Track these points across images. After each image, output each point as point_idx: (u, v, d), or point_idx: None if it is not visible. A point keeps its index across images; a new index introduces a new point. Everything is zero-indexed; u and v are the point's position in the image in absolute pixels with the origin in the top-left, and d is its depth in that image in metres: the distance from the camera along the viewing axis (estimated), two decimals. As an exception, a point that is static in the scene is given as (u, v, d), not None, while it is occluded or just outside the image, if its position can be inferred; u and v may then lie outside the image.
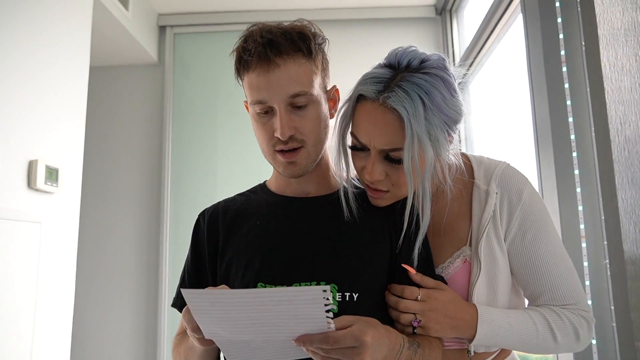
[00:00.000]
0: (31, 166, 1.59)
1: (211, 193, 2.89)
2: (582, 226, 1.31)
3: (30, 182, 1.59)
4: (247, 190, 1.05)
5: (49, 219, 1.69)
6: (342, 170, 0.93)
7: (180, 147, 2.96)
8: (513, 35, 2.00)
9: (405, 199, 0.89)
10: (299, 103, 0.87)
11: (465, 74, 0.92)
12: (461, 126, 0.91)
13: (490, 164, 0.98)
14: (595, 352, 1.26)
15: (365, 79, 0.86)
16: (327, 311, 0.68)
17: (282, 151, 0.89)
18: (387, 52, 0.89)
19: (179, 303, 0.97)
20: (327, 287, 0.65)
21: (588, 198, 1.31)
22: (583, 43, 1.34)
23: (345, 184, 0.93)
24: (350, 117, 0.89)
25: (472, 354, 0.92)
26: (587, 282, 1.29)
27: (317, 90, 0.90)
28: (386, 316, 0.87)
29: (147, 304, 2.78)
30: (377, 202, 0.92)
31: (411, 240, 0.90)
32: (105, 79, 3.01)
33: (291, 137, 0.87)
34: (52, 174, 1.67)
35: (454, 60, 2.84)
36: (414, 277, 0.87)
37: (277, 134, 0.86)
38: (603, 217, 1.24)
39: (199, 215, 1.02)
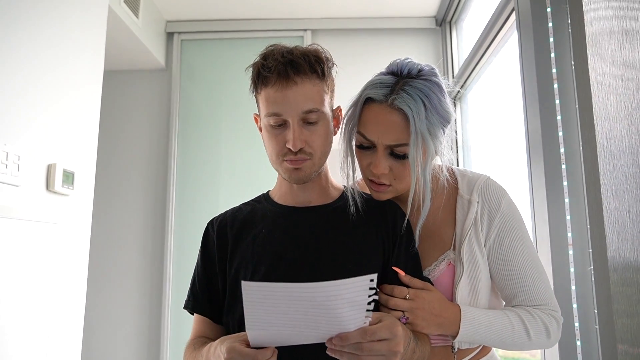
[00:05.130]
0: (50, 170, 1.68)
1: (214, 197, 2.97)
2: (569, 234, 1.40)
3: (49, 185, 1.67)
4: (252, 200, 1.13)
5: (65, 220, 1.77)
6: (348, 167, 1.03)
7: (185, 150, 3.04)
8: (510, 49, 2.09)
9: (396, 211, 1.01)
10: (311, 119, 0.95)
11: (458, 86, 1.03)
12: (458, 136, 1.02)
13: (473, 176, 1.08)
14: (580, 352, 1.34)
15: (373, 84, 0.97)
16: (369, 303, 0.75)
17: (290, 160, 0.97)
18: (388, 61, 1.02)
19: (190, 305, 1.07)
20: (374, 276, 0.73)
21: (575, 208, 1.40)
22: (572, 62, 1.43)
23: (351, 183, 1.03)
24: (358, 118, 0.99)
25: (457, 350, 1.01)
26: (573, 287, 1.38)
27: (326, 108, 0.99)
28: None
29: (151, 304, 2.87)
30: (379, 195, 1.02)
31: (402, 248, 1.01)
32: (115, 83, 3.09)
33: (301, 149, 0.95)
34: (69, 177, 1.75)
35: (452, 71, 2.93)
36: (403, 278, 0.96)
37: (289, 145, 0.94)
38: (589, 226, 1.33)
39: (207, 224, 1.10)
